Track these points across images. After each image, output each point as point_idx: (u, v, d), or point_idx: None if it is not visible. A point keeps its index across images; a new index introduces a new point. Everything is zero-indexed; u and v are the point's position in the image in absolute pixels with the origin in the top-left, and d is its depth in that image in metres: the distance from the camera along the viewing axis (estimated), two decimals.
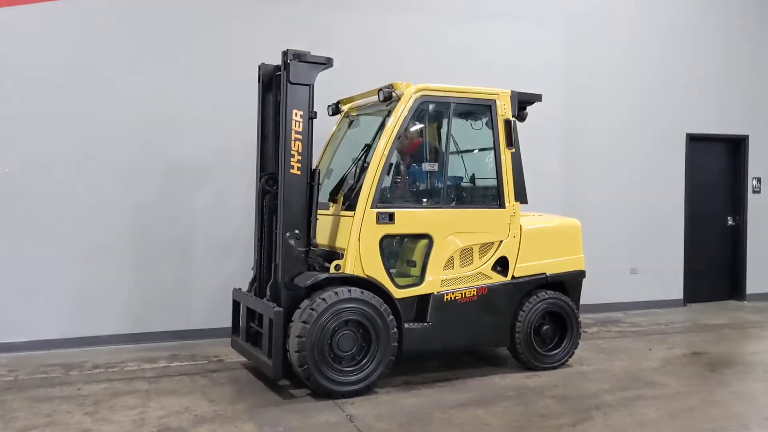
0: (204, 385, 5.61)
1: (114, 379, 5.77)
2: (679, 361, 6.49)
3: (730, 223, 10.02)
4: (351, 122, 6.63)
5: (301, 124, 5.46)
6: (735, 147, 9.98)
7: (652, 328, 8.08)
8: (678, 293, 9.56)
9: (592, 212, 8.55)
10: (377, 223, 5.45)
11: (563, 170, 8.77)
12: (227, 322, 7.18)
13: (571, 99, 8.77)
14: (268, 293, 5.54)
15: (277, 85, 5.95)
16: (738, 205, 10.02)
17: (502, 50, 8.44)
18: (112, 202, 6.96)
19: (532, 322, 6.02)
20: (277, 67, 5.95)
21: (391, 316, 5.37)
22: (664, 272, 9.46)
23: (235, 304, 6.24)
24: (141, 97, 7.02)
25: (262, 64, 6.03)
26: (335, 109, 6.59)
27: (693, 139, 9.56)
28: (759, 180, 10.02)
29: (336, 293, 5.19)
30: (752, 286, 9.98)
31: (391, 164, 5.62)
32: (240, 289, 6.26)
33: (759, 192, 10.03)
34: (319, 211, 5.60)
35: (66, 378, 5.82)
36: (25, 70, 6.65)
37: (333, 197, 5.83)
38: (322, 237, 5.79)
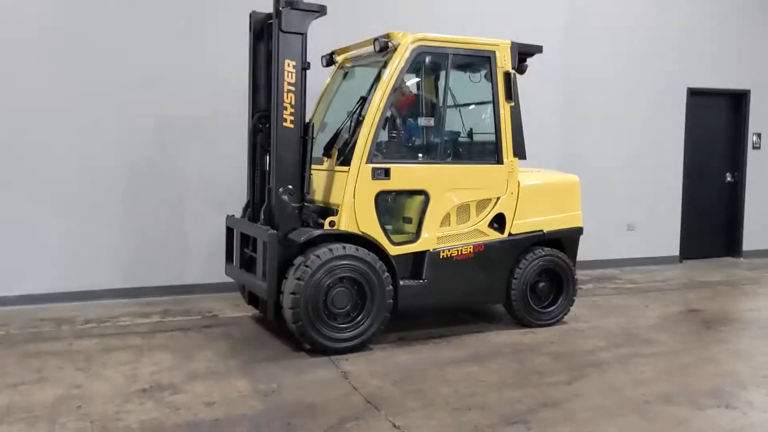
0: (198, 341, 5.56)
1: (106, 335, 5.72)
2: (676, 318, 6.47)
3: (728, 179, 9.93)
4: (345, 74, 6.45)
5: (293, 75, 5.29)
6: (736, 102, 9.82)
7: (649, 285, 8.06)
8: (674, 250, 9.53)
9: (590, 167, 8.41)
10: (372, 179, 5.33)
11: (562, 125, 8.61)
12: (220, 278, 7.17)
13: (571, 52, 8.56)
14: (262, 217, 5.46)
15: (268, 35, 5.76)
16: (737, 162, 9.92)
17: (502, 1, 8.19)
18: (105, 157, 6.83)
19: (529, 279, 5.96)
20: (269, 15, 5.75)
21: (387, 273, 5.29)
22: (661, 229, 9.41)
23: (229, 231, 6.19)
24: (131, 52, 6.81)
25: (253, 12, 5.84)
26: (329, 60, 6.40)
27: (694, 94, 9.40)
28: (759, 136, 9.90)
29: (330, 250, 5.10)
30: (749, 243, 9.95)
31: (387, 118, 5.46)
32: (233, 215, 6.19)
33: (759, 148, 9.91)
34: (312, 166, 5.47)
35: (57, 333, 5.76)
36: (13, 27, 6.43)
37: (327, 152, 5.69)
38: (316, 192, 5.68)
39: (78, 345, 5.43)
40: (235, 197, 7.17)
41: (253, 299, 6.00)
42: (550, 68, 8.02)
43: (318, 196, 5.67)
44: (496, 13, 8.09)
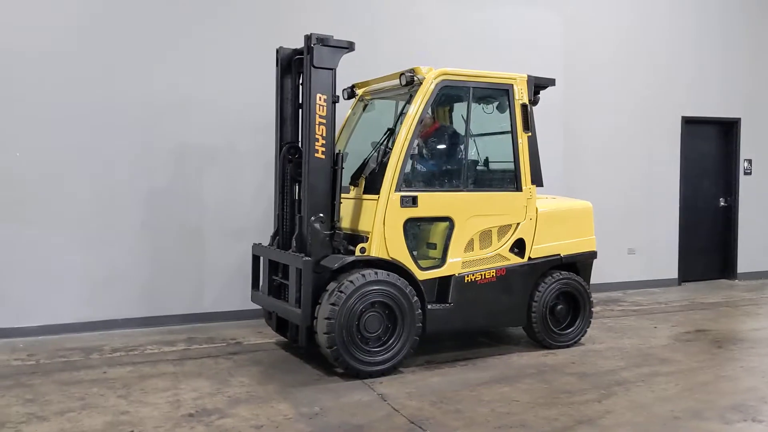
0: (229, 367, 5.67)
1: (137, 362, 5.81)
2: (686, 338, 6.70)
3: (722, 203, 10.27)
4: (365, 106, 6.68)
5: (324, 108, 5.51)
6: (727, 129, 10.21)
7: (653, 306, 8.31)
8: (673, 272, 9.81)
9: (591, 194, 8.66)
10: (401, 207, 5.54)
11: (563, 153, 8.90)
12: (239, 305, 7.34)
13: (570, 84, 8.88)
14: (294, 244, 5.61)
15: (296, 69, 5.99)
16: (729, 187, 10.28)
17: (504, 35, 8.51)
18: (125, 186, 6.96)
19: (548, 302, 6.17)
20: (296, 51, 5.99)
21: (416, 298, 5.47)
22: (660, 252, 9.69)
23: (255, 259, 6.34)
24: (152, 81, 6.98)
25: (281, 47, 6.06)
26: (350, 93, 6.62)
27: (688, 122, 9.76)
28: (750, 162, 10.28)
29: (363, 275, 5.27)
30: (743, 265, 10.27)
31: (414, 148, 5.67)
32: (260, 243, 6.33)
33: (750, 174, 10.29)
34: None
35: (88, 362, 5.84)
36: (33, 55, 6.58)
37: (354, 181, 5.89)
38: (343, 220, 5.86)
39: (112, 373, 5.52)
40: (252, 225, 7.36)
41: (281, 326, 6.14)
42: (549, 100, 8.29)
43: (345, 223, 5.85)
44: (496, 46, 8.39)
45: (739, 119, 10.15)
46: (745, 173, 10.26)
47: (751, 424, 4.36)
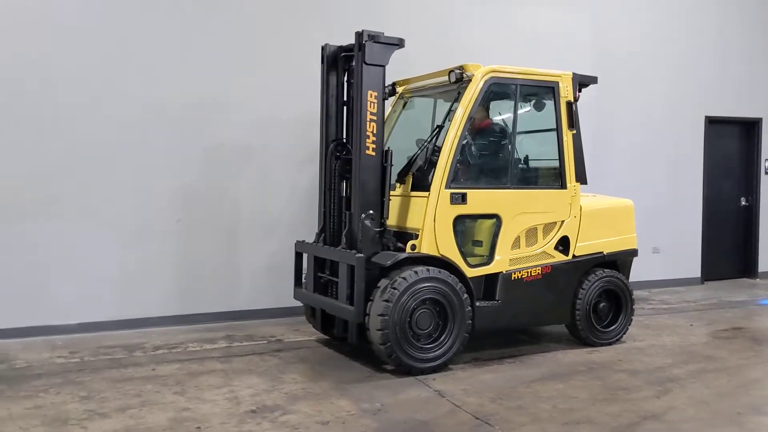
0: (277, 365, 5.65)
1: (183, 360, 5.79)
2: (724, 336, 6.73)
3: (743, 203, 10.32)
4: (405, 103, 6.69)
5: (375, 105, 5.51)
6: (749, 129, 10.27)
7: (682, 305, 8.34)
8: (696, 272, 9.86)
9: (617, 193, 8.69)
10: (451, 204, 5.54)
11: (592, 151, 8.90)
12: (271, 303, 7.35)
13: (600, 84, 8.86)
14: (344, 241, 5.61)
15: (342, 66, 5.99)
16: (751, 186, 10.32)
17: (531, 33, 8.53)
18: (159, 184, 6.92)
19: (591, 299, 6.18)
20: (341, 48, 5.99)
21: (466, 295, 5.48)
22: (683, 251, 9.73)
23: (298, 256, 6.32)
24: (187, 78, 6.96)
25: (326, 44, 6.05)
26: (391, 91, 6.61)
27: (711, 122, 9.81)
28: None
29: (416, 272, 5.27)
30: (764, 264, 10.32)
31: (462, 145, 5.68)
32: (304, 241, 6.30)
33: None
34: None
35: (133, 359, 5.81)
36: (69, 52, 6.54)
37: (401, 178, 5.89)
38: (390, 217, 5.85)
39: (161, 370, 5.49)
40: (285, 223, 7.35)
41: (326, 323, 6.12)
42: (582, 99, 8.33)
43: (392, 220, 5.84)
44: (526, 44, 8.41)
45: (761, 119, 10.20)
46: (766, 173, 10.31)
47: None
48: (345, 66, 6.04)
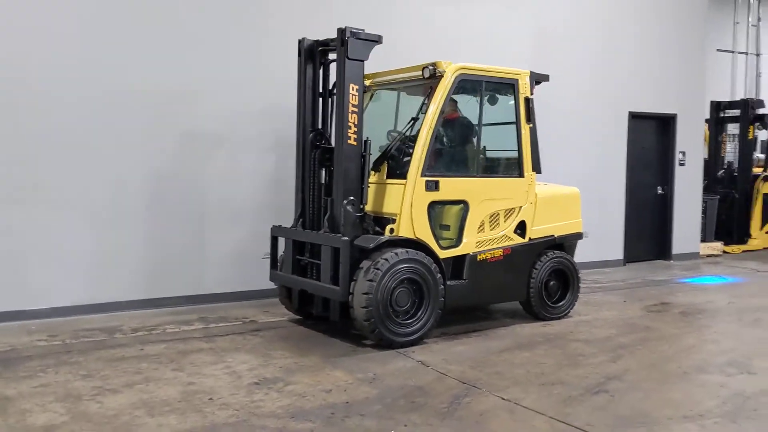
0: (261, 343, 5.96)
1: (167, 340, 5.99)
2: (656, 310, 7.53)
3: (659, 192, 11.31)
4: (371, 96, 7.08)
5: (356, 97, 5.88)
6: (665, 124, 11.25)
7: (612, 284, 9.15)
8: (619, 254, 10.75)
9: (552, 181, 9.42)
10: (425, 191, 6.00)
11: None
12: (238, 287, 7.59)
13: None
14: (326, 225, 5.97)
15: (320, 59, 6.32)
16: (666, 176, 11.32)
17: (473, 33, 9.07)
18: (132, 171, 7.04)
19: (543, 278, 6.80)
20: (318, 42, 6.31)
21: (439, 275, 5.96)
22: (608, 236, 10.58)
23: (274, 240, 6.61)
24: (161, 69, 7.09)
25: (303, 38, 6.36)
26: None
27: (634, 117, 10.70)
28: (684, 154, 11.35)
29: (396, 254, 5.70)
30: (677, 247, 11.36)
31: (435, 136, 6.13)
32: (280, 225, 6.60)
33: (684, 165, 11.37)
34: None
35: (116, 341, 5.97)
36: (42, 42, 6.56)
37: (377, 167, 6.29)
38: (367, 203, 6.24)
39: (149, 350, 5.69)
40: (251, 210, 7.62)
41: (302, 303, 6.45)
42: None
43: (368, 206, 6.23)
44: (470, 38, 8.95)
45: (676, 115, 11.20)
46: (680, 164, 11.33)
47: (748, 376, 5.14)
48: (321, 59, 6.37)
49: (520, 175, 6.64)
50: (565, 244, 7.16)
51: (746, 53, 18.76)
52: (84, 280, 6.87)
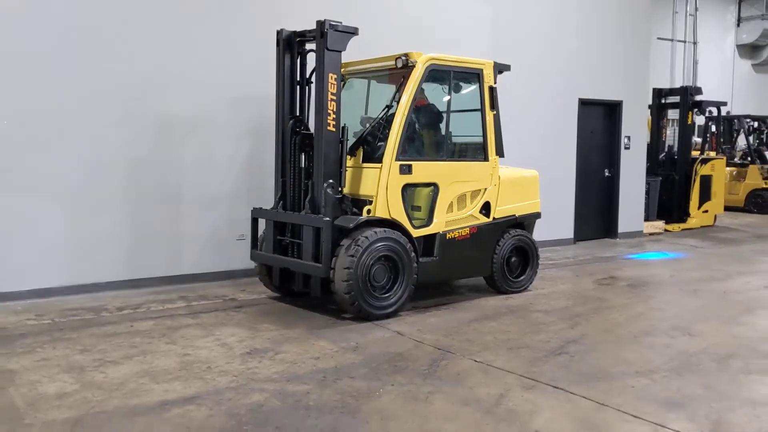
0: (245, 318, 6.32)
1: (154, 317, 6.29)
2: (606, 283, 8.16)
3: (606, 174, 12.00)
4: (344, 84, 7.43)
5: (335, 86, 6.24)
6: (612, 110, 11.92)
7: (564, 261, 9.78)
8: (569, 233, 11.41)
9: (508, 164, 9.98)
10: (400, 174, 6.43)
11: None
12: (214, 267, 7.91)
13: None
14: (307, 207, 6.35)
15: (297, 49, 6.66)
16: (613, 159, 12.02)
17: (437, 23, 9.50)
18: (109, 155, 7.24)
19: (505, 255, 7.33)
20: (295, 33, 6.64)
21: (413, 252, 6.41)
22: (560, 216, 11.21)
23: (254, 221, 6.95)
24: (138, 54, 7.30)
25: (282, 29, 6.67)
26: None
27: (583, 103, 11.33)
28: (629, 138, 12.06)
29: (375, 233, 6.12)
30: (622, 226, 12.10)
31: (408, 122, 6.55)
32: (260, 207, 6.94)
33: (629, 148, 12.08)
34: None
35: (104, 319, 6.23)
36: (18, 27, 6.70)
37: (353, 152, 6.68)
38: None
39: (139, 326, 5.98)
40: (225, 193, 7.91)
41: (283, 281, 6.82)
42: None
43: (345, 188, 6.62)
44: (430, 27, 9.36)
45: (621, 101, 11.88)
46: (625, 148, 12.04)
47: (689, 338, 5.76)
48: (299, 49, 6.70)
49: (485, 159, 7.13)
50: (525, 223, 7.70)
51: (684, 41, 19.76)
52: (64, 261, 7.07)
